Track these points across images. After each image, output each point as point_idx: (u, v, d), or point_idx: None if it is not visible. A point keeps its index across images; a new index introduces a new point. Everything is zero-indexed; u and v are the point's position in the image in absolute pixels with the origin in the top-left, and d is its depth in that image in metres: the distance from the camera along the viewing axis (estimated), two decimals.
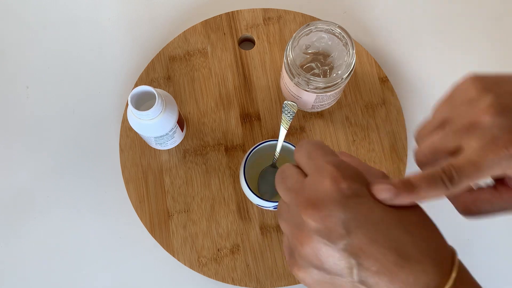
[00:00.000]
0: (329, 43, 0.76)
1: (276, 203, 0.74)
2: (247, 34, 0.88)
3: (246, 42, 0.89)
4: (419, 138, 0.53)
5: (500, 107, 0.45)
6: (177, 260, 0.81)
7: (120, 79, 0.89)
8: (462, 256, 0.85)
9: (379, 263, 0.42)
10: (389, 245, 0.42)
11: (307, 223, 0.44)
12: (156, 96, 0.70)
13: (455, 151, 0.47)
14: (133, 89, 0.77)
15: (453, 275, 0.45)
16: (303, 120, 0.85)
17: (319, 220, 0.43)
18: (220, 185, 0.83)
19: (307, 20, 0.88)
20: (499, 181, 0.50)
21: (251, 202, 0.82)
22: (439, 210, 0.86)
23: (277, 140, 0.76)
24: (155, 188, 0.83)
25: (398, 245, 0.42)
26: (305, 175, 0.47)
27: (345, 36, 0.74)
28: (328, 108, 0.85)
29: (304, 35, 0.76)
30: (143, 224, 0.81)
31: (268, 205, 0.75)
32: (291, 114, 0.74)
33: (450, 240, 0.86)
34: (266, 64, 0.87)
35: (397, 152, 0.84)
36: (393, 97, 0.86)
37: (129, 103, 0.70)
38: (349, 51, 0.74)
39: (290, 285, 0.80)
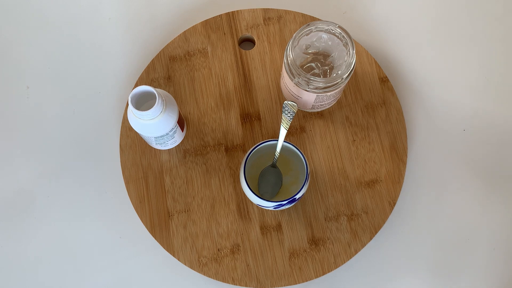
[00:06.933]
0: (329, 43, 0.76)
1: (276, 203, 0.75)
2: (247, 34, 0.88)
3: (246, 42, 0.89)
4: None
5: None
6: (177, 260, 0.81)
7: (120, 79, 0.89)
8: (462, 256, 0.86)
9: None
10: None
11: None
12: (156, 96, 0.70)
13: None
14: (133, 89, 0.77)
15: None
16: (303, 120, 0.85)
17: None
18: (220, 185, 0.83)
19: (307, 20, 0.88)
20: None
21: (251, 202, 0.82)
22: (440, 210, 0.86)
23: (277, 140, 0.76)
24: (155, 188, 0.83)
25: None
26: None
27: (345, 36, 0.74)
28: (328, 108, 0.85)
29: (304, 35, 0.76)
30: (143, 224, 0.81)
31: (268, 205, 0.75)
32: (291, 114, 0.74)
33: (450, 240, 0.87)
34: (266, 64, 0.87)
35: (397, 152, 0.84)
36: (393, 97, 0.86)
37: (129, 103, 0.70)
38: (349, 51, 0.74)
39: (290, 285, 0.80)
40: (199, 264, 0.80)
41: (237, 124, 0.85)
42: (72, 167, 0.86)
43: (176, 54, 0.87)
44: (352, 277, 0.82)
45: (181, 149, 0.84)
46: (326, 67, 0.77)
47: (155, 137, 0.76)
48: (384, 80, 0.86)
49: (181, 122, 0.79)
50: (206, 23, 0.88)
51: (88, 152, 0.86)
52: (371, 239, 0.81)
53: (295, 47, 0.76)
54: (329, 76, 0.77)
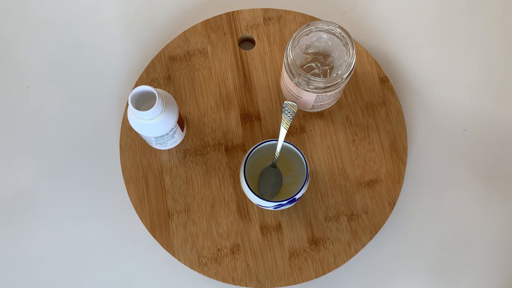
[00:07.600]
0: (329, 43, 0.76)
1: (276, 203, 0.75)
2: (247, 34, 0.88)
3: (246, 42, 0.89)
4: None
5: None
6: (177, 260, 0.81)
7: (120, 79, 0.89)
8: (462, 256, 0.86)
9: None
10: None
11: None
12: (156, 96, 0.70)
13: None
14: (133, 89, 0.77)
15: None
16: (303, 120, 0.85)
17: None
18: (220, 185, 0.83)
19: (307, 20, 0.88)
20: None
21: (251, 202, 0.82)
22: (440, 210, 0.86)
23: (277, 140, 0.76)
24: (155, 188, 0.83)
25: None
26: None
27: (345, 36, 0.74)
28: (328, 108, 0.85)
29: (304, 35, 0.76)
30: (143, 224, 0.81)
31: (268, 205, 0.75)
32: (291, 114, 0.74)
33: (450, 240, 0.87)
34: (266, 64, 0.87)
35: (397, 152, 0.84)
36: (393, 97, 0.86)
37: (129, 103, 0.70)
38: (349, 51, 0.74)
39: (290, 285, 0.80)
40: (199, 264, 0.80)
41: (237, 124, 0.85)
42: (72, 167, 0.86)
43: (176, 54, 0.87)
44: (352, 277, 0.82)
45: (181, 149, 0.84)
46: (326, 67, 0.77)
47: (155, 137, 0.76)
48: (384, 80, 0.86)
49: (181, 122, 0.79)
50: (206, 23, 0.88)
51: (88, 152, 0.86)
52: (371, 239, 0.81)
53: (295, 47, 0.76)
54: (329, 76, 0.77)
